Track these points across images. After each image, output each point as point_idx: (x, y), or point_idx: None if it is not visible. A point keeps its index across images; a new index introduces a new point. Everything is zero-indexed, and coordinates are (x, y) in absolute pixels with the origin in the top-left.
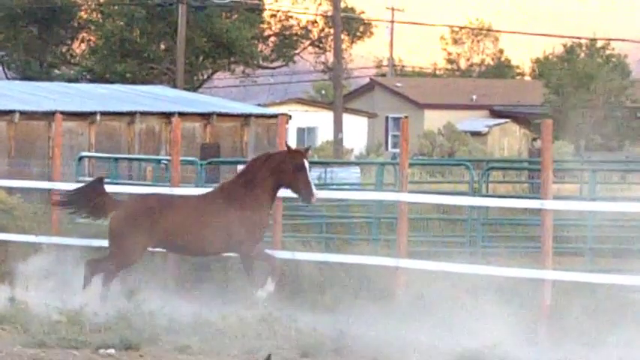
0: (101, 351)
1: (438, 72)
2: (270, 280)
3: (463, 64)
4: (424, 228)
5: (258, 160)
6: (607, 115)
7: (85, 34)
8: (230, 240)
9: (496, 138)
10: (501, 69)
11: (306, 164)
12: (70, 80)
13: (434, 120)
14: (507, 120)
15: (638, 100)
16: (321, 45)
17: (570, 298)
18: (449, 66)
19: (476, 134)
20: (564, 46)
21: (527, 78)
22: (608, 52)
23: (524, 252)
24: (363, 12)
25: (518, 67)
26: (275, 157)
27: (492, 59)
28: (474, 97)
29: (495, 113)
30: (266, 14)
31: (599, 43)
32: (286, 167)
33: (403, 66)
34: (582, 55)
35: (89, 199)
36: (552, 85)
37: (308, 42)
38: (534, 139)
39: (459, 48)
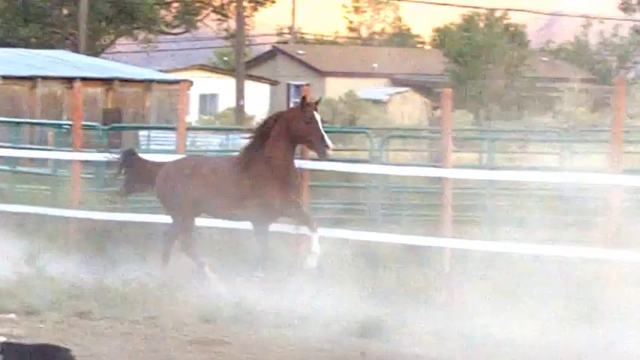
0: (1, 316)
1: (339, 40)
2: (315, 243)
3: (364, 33)
4: (325, 195)
5: (269, 120)
6: (506, 84)
7: None
8: (258, 206)
9: (397, 106)
10: (402, 38)
11: (317, 116)
12: None
13: (335, 88)
14: (408, 88)
15: (537, 69)
16: (223, 11)
17: (469, 267)
18: (350, 34)
19: (377, 102)
20: (463, 15)
21: (428, 47)
22: (506, 21)
23: (423, 220)
24: None
25: (418, 36)
26: (285, 115)
27: (393, 28)
28: (375, 65)
29: (396, 82)
30: None
31: (498, 13)
32: (296, 122)
33: (302, 33)
34: (481, 24)
35: (137, 171)
36: (452, 55)
37: (210, 8)
38: (434, 108)
39: (361, 16)
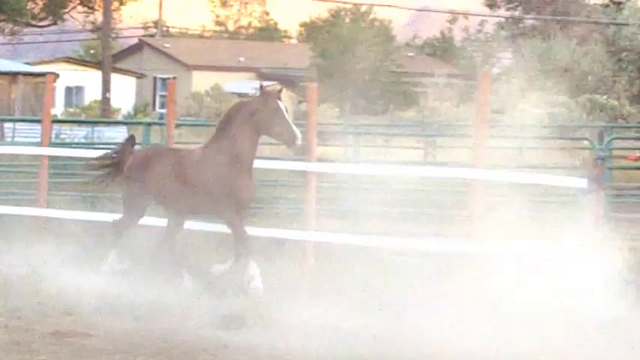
0: None
1: (206, 34)
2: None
3: (231, 27)
4: None
5: (231, 111)
6: (372, 79)
7: None
8: (210, 201)
9: None
10: (269, 32)
11: (282, 106)
12: None
13: (202, 81)
14: (274, 82)
15: (403, 64)
16: (90, 4)
17: (333, 260)
18: (217, 28)
19: (243, 96)
20: (330, 10)
21: (294, 41)
22: (372, 16)
23: (288, 213)
24: None
25: (285, 31)
26: (248, 105)
27: (260, 22)
28: (242, 59)
29: (262, 75)
30: None
31: (364, 8)
32: (261, 113)
33: (168, 27)
34: (347, 19)
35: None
36: (318, 49)
37: (77, 1)
38: (300, 102)
39: (227, 10)
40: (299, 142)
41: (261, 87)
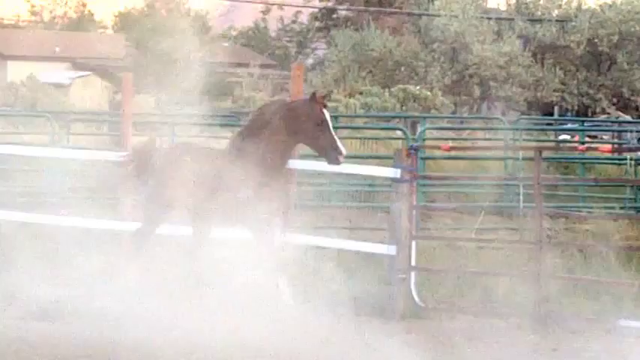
0: None
1: (21, 23)
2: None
3: (47, 17)
4: (8, 178)
5: (269, 108)
6: (187, 69)
7: None
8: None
9: (78, 90)
10: (84, 22)
11: (328, 117)
12: None
13: (17, 71)
14: (89, 73)
15: (218, 55)
16: None
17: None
18: (32, 18)
19: (58, 86)
20: (145, 0)
21: (110, 31)
22: (187, 6)
23: (104, 204)
24: None
25: (101, 21)
26: (291, 109)
27: (76, 12)
28: (57, 49)
29: (78, 66)
30: None
31: None
32: (305, 122)
33: None
34: (163, 10)
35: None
36: (134, 39)
37: None
38: (115, 92)
39: (43, 0)
40: (343, 159)
41: (314, 94)
